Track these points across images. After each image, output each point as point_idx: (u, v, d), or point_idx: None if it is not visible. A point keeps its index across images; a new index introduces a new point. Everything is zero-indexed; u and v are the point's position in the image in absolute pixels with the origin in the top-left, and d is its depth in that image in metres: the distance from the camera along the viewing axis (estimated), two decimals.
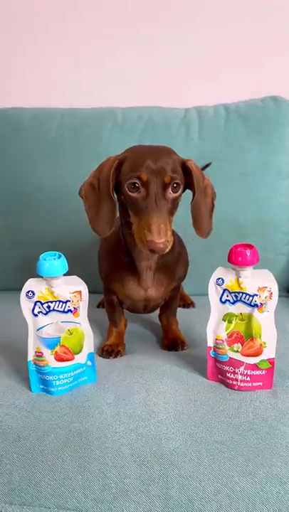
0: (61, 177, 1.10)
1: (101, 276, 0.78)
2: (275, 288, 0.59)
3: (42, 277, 0.59)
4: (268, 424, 0.53)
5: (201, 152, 1.06)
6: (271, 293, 0.59)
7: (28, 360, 0.62)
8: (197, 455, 0.50)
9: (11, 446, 0.53)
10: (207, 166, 1.03)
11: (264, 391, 0.60)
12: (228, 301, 0.61)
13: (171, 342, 0.75)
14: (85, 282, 0.62)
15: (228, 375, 0.61)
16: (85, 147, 1.10)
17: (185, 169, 0.65)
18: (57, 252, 0.60)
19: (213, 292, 0.62)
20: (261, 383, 0.60)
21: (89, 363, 0.64)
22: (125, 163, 0.64)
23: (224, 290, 0.61)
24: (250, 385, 0.60)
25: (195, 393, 0.60)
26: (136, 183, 0.61)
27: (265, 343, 0.60)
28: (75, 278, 0.61)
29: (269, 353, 0.60)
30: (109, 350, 0.72)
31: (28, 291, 0.59)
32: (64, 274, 0.60)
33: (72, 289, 0.60)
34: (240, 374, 0.60)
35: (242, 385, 0.60)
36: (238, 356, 0.60)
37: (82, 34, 1.23)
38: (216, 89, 1.19)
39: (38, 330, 0.60)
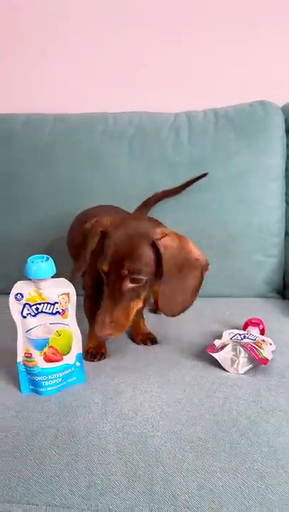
0: (53, 182, 1.12)
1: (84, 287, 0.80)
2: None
3: (30, 280, 0.61)
4: (251, 421, 0.55)
5: (190, 156, 1.08)
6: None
7: (18, 361, 0.63)
8: (181, 452, 0.51)
9: (0, 444, 0.54)
10: (202, 176, 1.05)
11: (248, 390, 0.62)
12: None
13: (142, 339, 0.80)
14: (74, 286, 0.63)
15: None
16: (77, 152, 1.12)
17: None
18: (45, 255, 0.61)
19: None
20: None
21: (78, 363, 0.65)
22: (105, 241, 0.66)
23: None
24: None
25: (181, 391, 0.61)
26: (101, 270, 0.65)
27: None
28: (62, 280, 0.63)
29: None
30: (93, 352, 0.73)
31: (17, 294, 0.61)
32: (53, 277, 0.61)
33: (60, 291, 0.61)
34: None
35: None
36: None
37: (73, 40, 1.25)
38: (205, 94, 1.21)
39: (26, 331, 0.61)
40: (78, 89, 1.27)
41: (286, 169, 1.11)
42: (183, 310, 0.67)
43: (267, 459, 0.49)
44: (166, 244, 0.65)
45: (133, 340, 0.81)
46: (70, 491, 0.50)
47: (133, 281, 0.64)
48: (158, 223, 0.74)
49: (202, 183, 1.07)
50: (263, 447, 0.51)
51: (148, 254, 0.64)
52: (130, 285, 0.64)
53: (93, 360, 0.72)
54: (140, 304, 0.68)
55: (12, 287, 0.62)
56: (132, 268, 0.63)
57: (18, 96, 1.29)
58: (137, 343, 0.80)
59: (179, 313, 0.67)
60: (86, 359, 0.71)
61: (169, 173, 1.08)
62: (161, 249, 0.64)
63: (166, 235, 0.66)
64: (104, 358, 0.73)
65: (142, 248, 0.64)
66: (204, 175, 1.05)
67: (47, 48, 1.27)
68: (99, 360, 0.72)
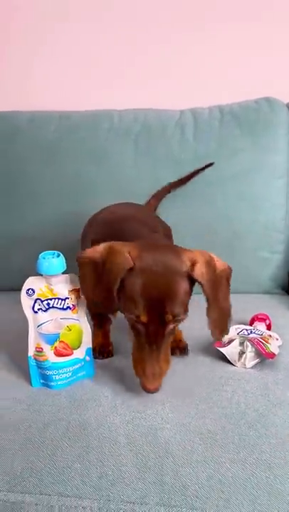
0: (59, 180, 1.12)
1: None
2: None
3: (41, 275, 0.62)
4: (259, 413, 0.56)
5: (195, 153, 1.08)
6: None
7: (29, 355, 0.64)
8: (191, 443, 0.52)
9: (13, 437, 0.55)
10: (208, 166, 1.05)
11: (256, 383, 0.62)
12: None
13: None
14: None
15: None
16: (82, 149, 1.12)
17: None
18: (56, 251, 0.62)
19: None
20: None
21: (87, 358, 0.66)
22: (130, 280, 0.58)
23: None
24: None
25: (189, 385, 0.62)
26: (136, 319, 0.58)
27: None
28: (73, 276, 0.63)
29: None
30: (101, 351, 0.73)
31: (28, 289, 0.62)
32: (63, 273, 0.62)
33: (71, 286, 0.62)
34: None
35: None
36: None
37: (77, 38, 1.26)
38: (210, 91, 1.21)
39: (38, 326, 0.62)
40: (83, 86, 1.27)
41: None
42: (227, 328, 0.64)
43: (275, 451, 0.50)
44: (201, 272, 0.60)
45: None
46: (81, 482, 0.51)
47: (175, 322, 0.59)
48: (173, 245, 0.69)
49: (207, 180, 1.07)
50: (271, 439, 0.52)
51: (184, 289, 0.59)
52: (172, 326, 0.59)
53: (101, 359, 0.72)
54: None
55: (20, 284, 0.63)
56: (176, 312, 0.58)
57: (22, 94, 1.29)
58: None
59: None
60: (94, 357, 0.71)
61: (174, 170, 1.08)
62: (200, 280, 0.60)
63: (194, 261, 0.60)
64: (112, 355, 0.74)
65: (178, 285, 0.59)
66: (210, 165, 1.04)
67: (51, 45, 1.27)
68: (107, 357, 0.73)
